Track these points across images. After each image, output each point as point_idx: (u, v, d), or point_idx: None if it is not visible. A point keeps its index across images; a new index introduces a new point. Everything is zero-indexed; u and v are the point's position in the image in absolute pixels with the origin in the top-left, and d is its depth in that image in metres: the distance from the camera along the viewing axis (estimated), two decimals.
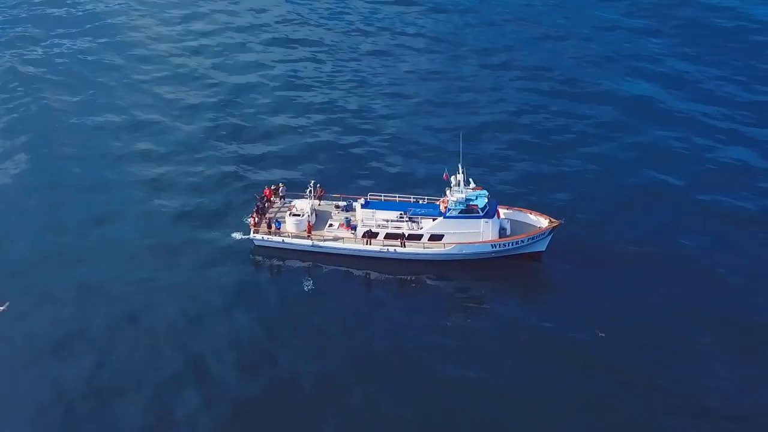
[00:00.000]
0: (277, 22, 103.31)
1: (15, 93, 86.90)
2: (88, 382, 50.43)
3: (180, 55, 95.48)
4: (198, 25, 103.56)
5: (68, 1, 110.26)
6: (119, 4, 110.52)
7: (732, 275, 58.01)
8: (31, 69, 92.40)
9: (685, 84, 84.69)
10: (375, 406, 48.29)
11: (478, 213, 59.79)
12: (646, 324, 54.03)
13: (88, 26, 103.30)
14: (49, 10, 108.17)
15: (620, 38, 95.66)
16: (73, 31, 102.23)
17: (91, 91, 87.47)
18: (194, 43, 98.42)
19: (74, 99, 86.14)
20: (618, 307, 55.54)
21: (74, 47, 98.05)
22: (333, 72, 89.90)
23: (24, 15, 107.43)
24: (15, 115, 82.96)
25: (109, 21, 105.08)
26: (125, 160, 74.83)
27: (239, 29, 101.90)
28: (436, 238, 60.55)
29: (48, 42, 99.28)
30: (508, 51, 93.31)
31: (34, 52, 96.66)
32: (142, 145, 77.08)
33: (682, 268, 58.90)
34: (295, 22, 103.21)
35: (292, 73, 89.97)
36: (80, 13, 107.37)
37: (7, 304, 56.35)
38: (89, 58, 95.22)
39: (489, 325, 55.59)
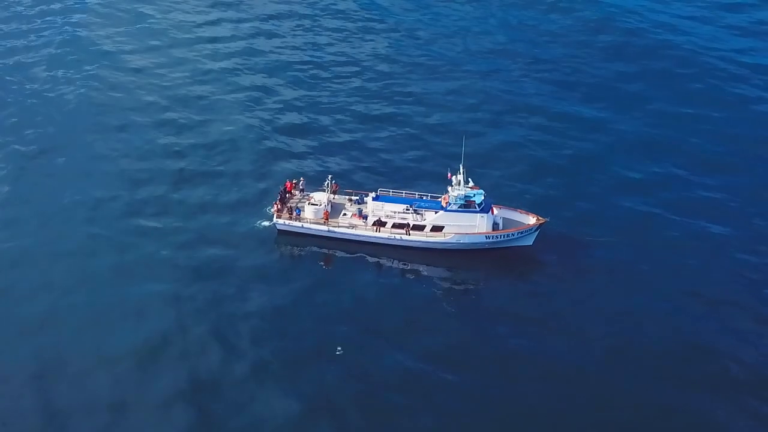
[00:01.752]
0: (295, 24, 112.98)
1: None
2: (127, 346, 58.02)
3: (204, 55, 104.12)
4: (221, 26, 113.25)
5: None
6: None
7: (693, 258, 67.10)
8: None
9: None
10: (376, 371, 55.89)
11: (475, 208, 68.36)
12: (622, 307, 62.45)
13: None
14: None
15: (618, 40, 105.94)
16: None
17: (119, 87, 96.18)
18: (218, 44, 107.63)
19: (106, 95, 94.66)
20: (595, 293, 64.02)
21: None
22: (349, 77, 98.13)
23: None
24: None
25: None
26: (156, 154, 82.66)
27: (259, 30, 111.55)
28: (437, 229, 68.99)
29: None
30: (508, 55, 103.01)
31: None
32: (170, 142, 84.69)
33: (652, 255, 67.77)
34: (313, 25, 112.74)
35: (312, 76, 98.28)
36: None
37: None
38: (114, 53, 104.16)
39: (479, 305, 64.15)
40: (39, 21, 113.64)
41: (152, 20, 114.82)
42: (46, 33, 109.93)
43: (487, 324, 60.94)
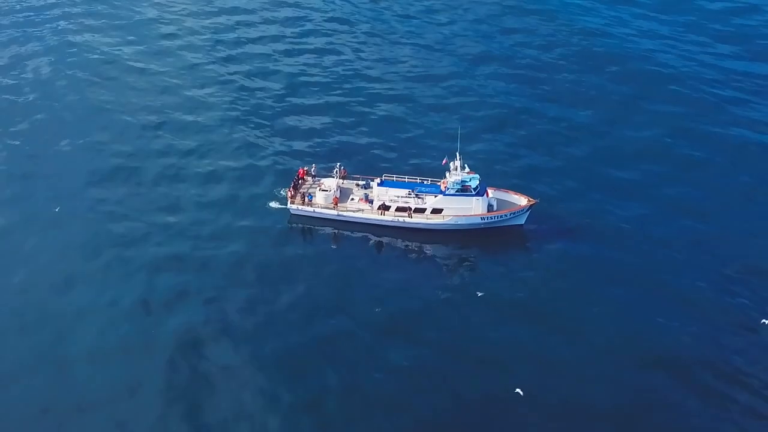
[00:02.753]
0: (304, 20, 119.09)
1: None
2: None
3: (206, 53, 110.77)
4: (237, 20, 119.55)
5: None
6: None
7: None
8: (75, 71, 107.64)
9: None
10: (379, 334, 63.70)
11: (471, 192, 74.91)
12: (603, 276, 69.46)
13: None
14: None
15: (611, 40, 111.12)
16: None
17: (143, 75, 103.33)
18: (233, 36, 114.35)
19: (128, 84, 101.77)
20: (578, 265, 70.87)
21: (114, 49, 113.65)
22: (358, 74, 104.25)
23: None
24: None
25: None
26: (170, 153, 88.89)
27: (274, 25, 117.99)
28: (437, 211, 75.71)
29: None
30: (505, 53, 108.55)
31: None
32: (190, 140, 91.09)
33: (626, 236, 74.46)
34: (323, 23, 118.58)
35: (325, 74, 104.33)
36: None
37: None
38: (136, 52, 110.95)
39: (474, 280, 71.02)
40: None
41: (158, 22, 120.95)
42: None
43: (481, 295, 67.89)
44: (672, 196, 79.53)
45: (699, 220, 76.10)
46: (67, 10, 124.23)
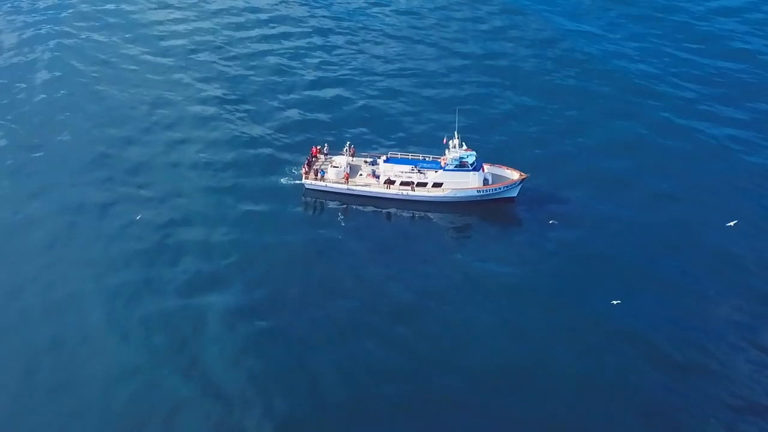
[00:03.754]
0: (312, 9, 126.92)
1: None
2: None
3: (225, 38, 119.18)
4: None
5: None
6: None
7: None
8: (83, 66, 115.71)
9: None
10: (382, 295, 71.84)
11: (469, 167, 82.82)
12: (586, 241, 77.47)
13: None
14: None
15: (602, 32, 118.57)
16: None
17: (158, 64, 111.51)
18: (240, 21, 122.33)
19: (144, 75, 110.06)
20: (564, 233, 78.80)
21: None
22: (365, 60, 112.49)
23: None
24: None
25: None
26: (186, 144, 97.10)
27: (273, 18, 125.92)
28: (437, 185, 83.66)
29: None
30: (501, 41, 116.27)
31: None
32: (206, 129, 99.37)
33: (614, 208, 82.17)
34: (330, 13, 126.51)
35: (332, 61, 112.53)
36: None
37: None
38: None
39: (471, 246, 79.41)
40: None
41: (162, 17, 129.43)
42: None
43: (477, 260, 76.04)
44: (651, 184, 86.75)
45: (678, 206, 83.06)
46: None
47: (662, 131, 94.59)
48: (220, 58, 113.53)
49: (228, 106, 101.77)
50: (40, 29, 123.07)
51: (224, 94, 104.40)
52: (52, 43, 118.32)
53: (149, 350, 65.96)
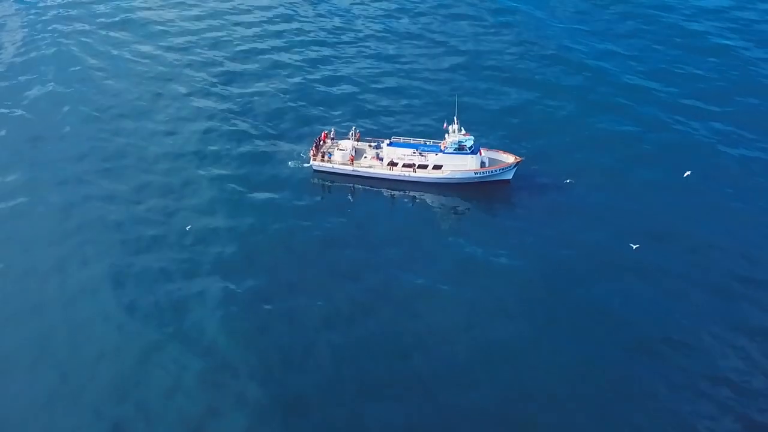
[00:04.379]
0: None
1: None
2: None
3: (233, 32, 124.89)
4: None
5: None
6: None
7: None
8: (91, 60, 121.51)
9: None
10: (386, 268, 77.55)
11: (467, 151, 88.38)
12: (576, 221, 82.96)
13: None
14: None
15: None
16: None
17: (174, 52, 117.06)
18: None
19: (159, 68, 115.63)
20: (556, 211, 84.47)
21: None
22: (369, 54, 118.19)
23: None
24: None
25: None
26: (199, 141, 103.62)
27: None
28: (437, 167, 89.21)
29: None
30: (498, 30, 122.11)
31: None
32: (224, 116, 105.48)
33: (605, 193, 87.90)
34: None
35: (335, 55, 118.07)
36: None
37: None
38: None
39: (469, 224, 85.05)
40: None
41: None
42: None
43: (472, 238, 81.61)
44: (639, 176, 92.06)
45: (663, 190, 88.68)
46: None
47: (651, 125, 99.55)
48: (222, 53, 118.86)
49: (232, 98, 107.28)
50: (45, 25, 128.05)
51: (229, 87, 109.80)
52: (57, 37, 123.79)
53: (161, 328, 70.83)
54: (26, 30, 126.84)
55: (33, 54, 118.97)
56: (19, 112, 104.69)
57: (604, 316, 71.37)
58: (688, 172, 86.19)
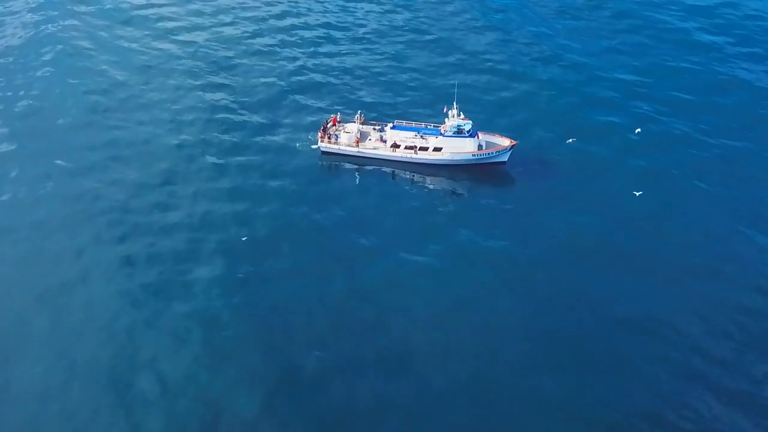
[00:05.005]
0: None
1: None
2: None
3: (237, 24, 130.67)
4: None
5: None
6: None
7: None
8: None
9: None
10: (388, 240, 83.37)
11: (465, 134, 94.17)
12: (565, 201, 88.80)
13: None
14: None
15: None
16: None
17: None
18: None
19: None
20: (547, 198, 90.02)
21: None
22: (374, 42, 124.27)
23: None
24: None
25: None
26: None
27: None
28: (438, 149, 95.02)
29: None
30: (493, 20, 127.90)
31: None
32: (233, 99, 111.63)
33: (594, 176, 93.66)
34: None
35: (338, 39, 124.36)
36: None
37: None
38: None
39: (466, 203, 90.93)
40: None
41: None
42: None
43: (470, 215, 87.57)
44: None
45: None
46: None
47: (641, 120, 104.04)
48: (226, 44, 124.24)
49: (237, 87, 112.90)
50: (50, 17, 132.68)
51: (233, 76, 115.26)
52: (61, 29, 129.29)
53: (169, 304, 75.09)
54: (30, 21, 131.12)
55: (35, 44, 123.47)
56: (25, 101, 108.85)
57: (588, 296, 75.37)
58: (638, 129, 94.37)
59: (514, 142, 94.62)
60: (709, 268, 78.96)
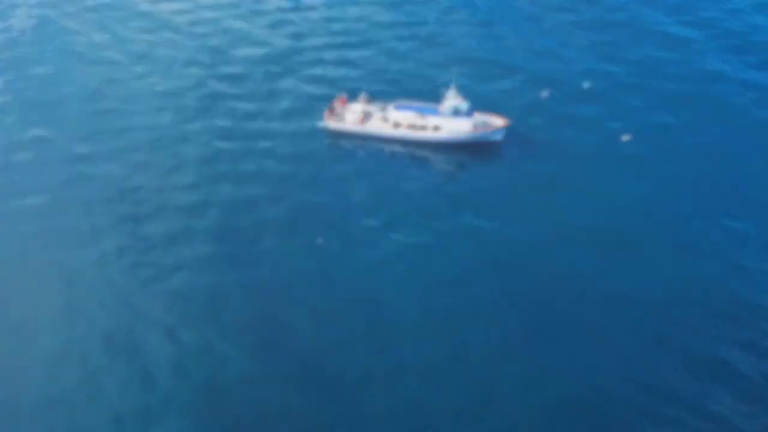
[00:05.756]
0: None
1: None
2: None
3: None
4: None
5: None
6: None
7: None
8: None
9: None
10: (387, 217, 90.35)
11: (462, 114, 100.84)
12: (558, 186, 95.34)
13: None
14: None
15: None
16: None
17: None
18: None
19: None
20: (539, 167, 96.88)
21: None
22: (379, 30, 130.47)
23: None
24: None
25: None
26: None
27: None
28: (437, 128, 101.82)
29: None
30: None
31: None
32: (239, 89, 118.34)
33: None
34: None
35: (347, 27, 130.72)
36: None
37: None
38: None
39: (463, 178, 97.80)
40: None
41: None
42: None
43: (467, 190, 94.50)
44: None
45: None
46: None
47: (635, 112, 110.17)
48: (226, 35, 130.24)
49: (239, 78, 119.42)
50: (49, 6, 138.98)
51: (237, 66, 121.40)
52: (59, 16, 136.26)
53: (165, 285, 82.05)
54: (34, 13, 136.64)
55: (36, 33, 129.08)
56: (27, 92, 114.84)
57: (581, 279, 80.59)
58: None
59: (507, 122, 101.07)
60: (691, 249, 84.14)
